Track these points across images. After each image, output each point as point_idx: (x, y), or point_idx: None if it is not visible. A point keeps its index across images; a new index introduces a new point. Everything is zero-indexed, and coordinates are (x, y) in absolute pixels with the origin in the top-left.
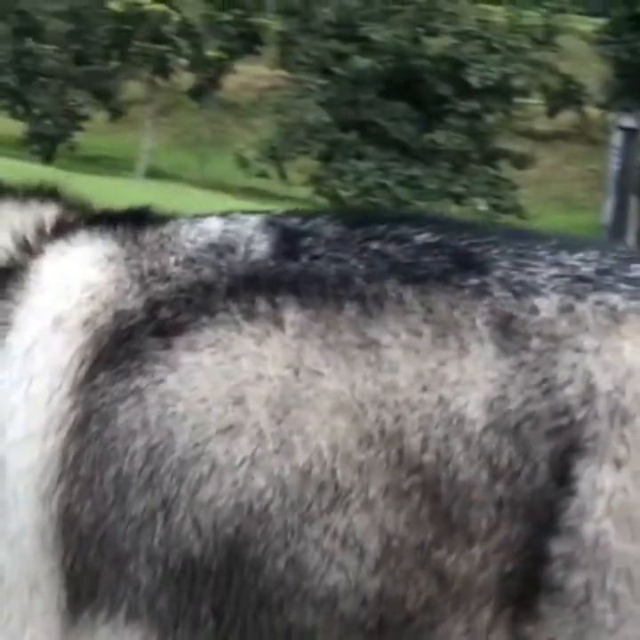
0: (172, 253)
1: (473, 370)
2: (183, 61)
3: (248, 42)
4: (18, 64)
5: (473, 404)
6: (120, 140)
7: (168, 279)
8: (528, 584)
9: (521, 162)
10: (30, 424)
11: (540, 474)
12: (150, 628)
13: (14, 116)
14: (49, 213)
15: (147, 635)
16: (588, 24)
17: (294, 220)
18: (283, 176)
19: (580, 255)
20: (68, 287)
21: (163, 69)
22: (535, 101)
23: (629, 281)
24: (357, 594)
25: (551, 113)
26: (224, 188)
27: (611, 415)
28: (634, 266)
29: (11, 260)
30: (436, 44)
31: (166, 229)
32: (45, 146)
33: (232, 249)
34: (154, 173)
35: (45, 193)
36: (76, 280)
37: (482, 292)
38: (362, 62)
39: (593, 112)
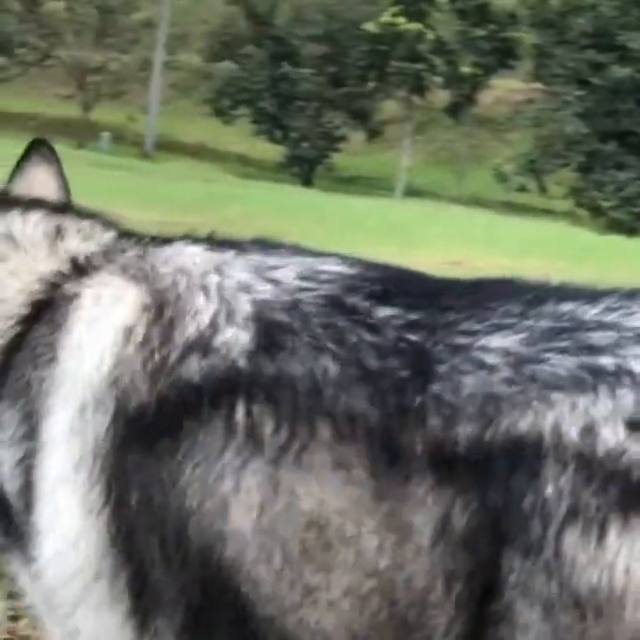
0: (185, 321)
1: (418, 495)
2: (438, 79)
3: (502, 56)
4: (275, 89)
5: (422, 521)
6: (377, 160)
7: (181, 368)
8: None
9: None
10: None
11: (483, 565)
12: None
13: (273, 140)
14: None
15: None
16: None
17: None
18: (542, 189)
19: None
20: (80, 349)
21: (419, 88)
22: None
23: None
24: None
25: None
26: (482, 204)
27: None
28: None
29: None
30: None
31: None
32: (304, 168)
33: (218, 352)
34: (411, 191)
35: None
36: (97, 348)
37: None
38: (620, 72)
39: None
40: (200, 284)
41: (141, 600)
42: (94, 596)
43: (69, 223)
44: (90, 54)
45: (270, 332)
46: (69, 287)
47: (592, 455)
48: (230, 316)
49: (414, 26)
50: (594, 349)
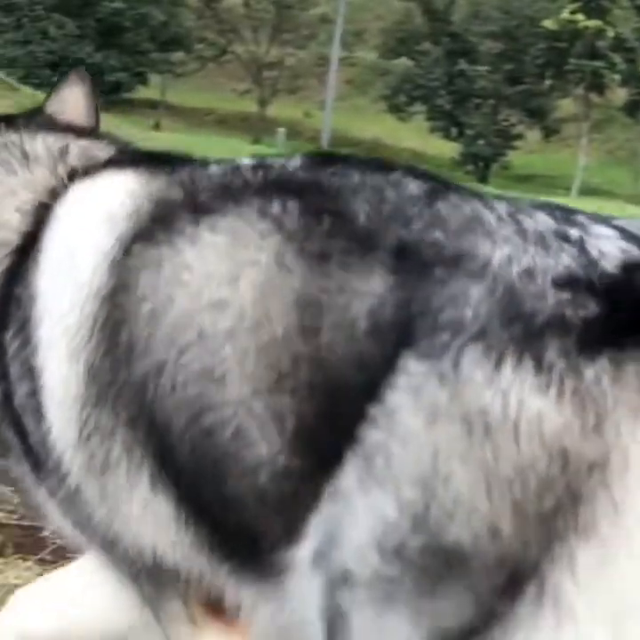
0: (217, 168)
1: (370, 284)
2: (617, 77)
3: None
4: (451, 86)
5: (360, 310)
6: (553, 158)
7: (210, 179)
8: (341, 440)
9: None
10: (74, 297)
11: (380, 360)
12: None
13: (448, 137)
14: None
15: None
16: None
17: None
18: None
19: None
20: (117, 191)
21: (597, 86)
22: None
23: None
24: (274, 465)
25: None
26: None
27: None
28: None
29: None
30: None
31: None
32: (479, 166)
33: (271, 165)
34: (587, 190)
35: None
36: (125, 187)
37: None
38: None
39: None
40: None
41: (149, 460)
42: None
43: (79, 143)
44: (266, 50)
45: (320, 162)
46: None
47: (518, 292)
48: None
49: (594, 23)
50: (564, 222)
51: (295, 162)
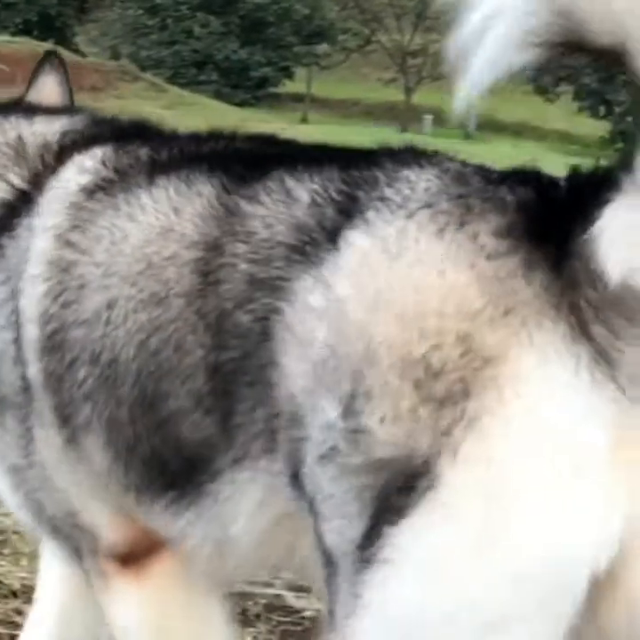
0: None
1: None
2: None
3: None
4: (597, 64)
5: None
6: None
7: (163, 150)
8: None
9: None
10: (40, 243)
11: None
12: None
13: (596, 116)
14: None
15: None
16: None
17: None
18: None
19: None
20: (87, 164)
21: None
22: None
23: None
24: (211, 366)
25: None
26: None
27: None
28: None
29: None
30: None
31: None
32: (629, 144)
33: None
34: None
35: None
36: (93, 159)
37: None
38: None
39: None
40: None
41: (82, 407)
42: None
43: (46, 123)
44: (410, 37)
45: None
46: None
47: (465, 177)
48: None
49: None
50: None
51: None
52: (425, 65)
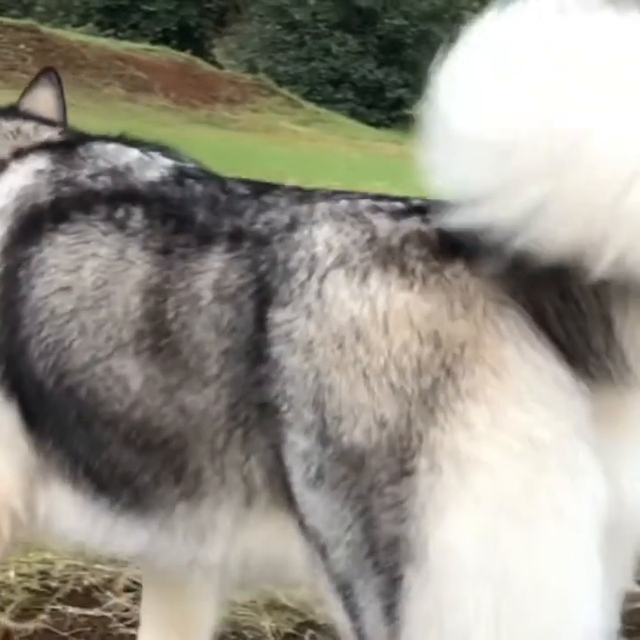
0: (85, 168)
1: (208, 263)
2: None
3: None
4: None
5: (204, 285)
6: None
7: (74, 185)
8: (249, 407)
9: None
10: None
11: (248, 324)
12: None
13: None
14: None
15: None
16: None
17: (194, 170)
18: None
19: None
20: (10, 190)
21: None
22: None
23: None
24: (128, 419)
25: None
26: None
27: (304, 271)
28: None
29: None
30: None
31: (93, 151)
32: None
33: (130, 170)
34: None
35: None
36: (16, 186)
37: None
38: None
39: None
40: (116, 150)
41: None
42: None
43: (29, 128)
44: None
45: (176, 176)
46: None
47: (369, 222)
48: (145, 165)
49: None
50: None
51: (152, 173)
52: None
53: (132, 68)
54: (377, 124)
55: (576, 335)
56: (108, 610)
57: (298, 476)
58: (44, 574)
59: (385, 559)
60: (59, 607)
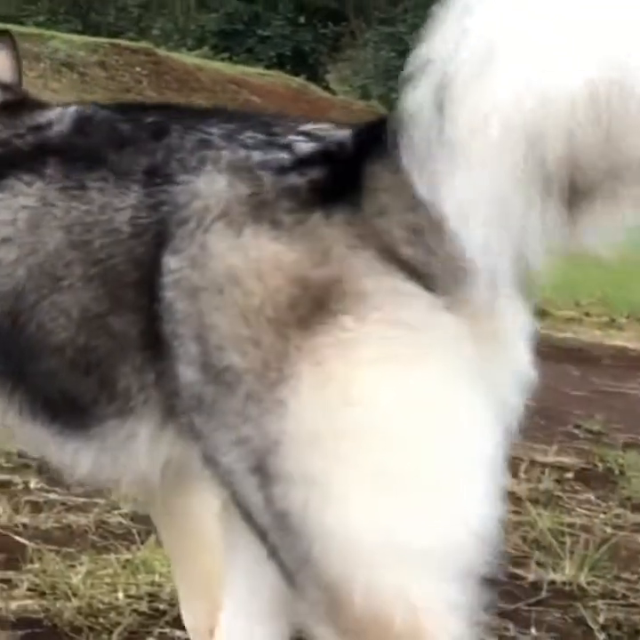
0: (19, 128)
1: (126, 200)
2: None
3: None
4: None
5: (123, 219)
6: None
7: (7, 145)
8: (152, 336)
9: None
10: None
11: (150, 264)
12: None
13: None
14: None
15: None
16: None
17: (91, 111)
18: None
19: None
20: None
21: None
22: None
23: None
24: (72, 346)
25: None
26: None
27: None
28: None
29: None
30: None
31: (32, 113)
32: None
33: (50, 125)
34: None
35: None
36: None
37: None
38: None
39: None
40: (47, 110)
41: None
42: None
43: None
44: None
45: (81, 123)
46: None
47: (254, 175)
48: (62, 118)
49: None
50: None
51: (63, 125)
52: None
53: (246, 92)
54: None
55: (428, 261)
56: None
57: (185, 404)
58: (153, 597)
59: (271, 461)
60: (167, 630)
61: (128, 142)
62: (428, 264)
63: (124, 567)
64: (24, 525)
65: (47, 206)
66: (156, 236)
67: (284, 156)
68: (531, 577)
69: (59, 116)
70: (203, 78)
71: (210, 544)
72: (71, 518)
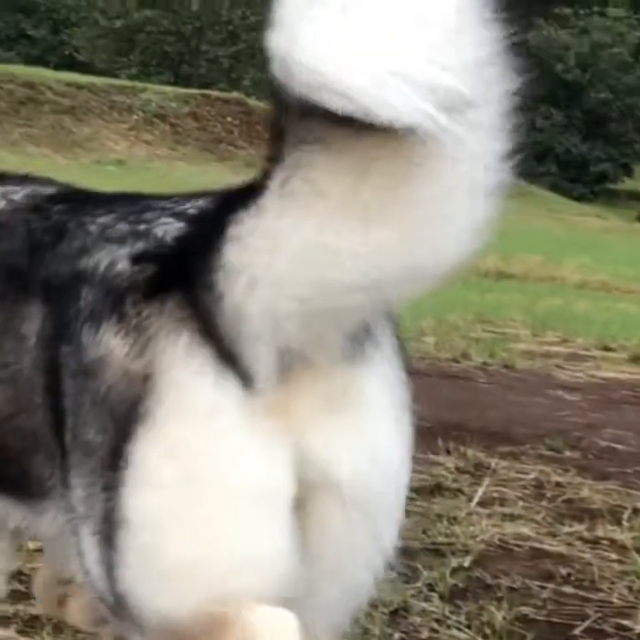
0: None
1: (31, 312)
2: None
3: None
4: None
5: (30, 329)
6: None
7: None
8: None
9: None
10: None
11: (52, 363)
12: None
13: None
14: None
15: None
16: None
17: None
18: None
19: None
20: None
21: None
22: None
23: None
24: (3, 435)
25: None
26: None
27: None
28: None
29: None
30: None
31: None
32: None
33: None
34: None
35: None
36: None
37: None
38: None
39: None
40: None
41: None
42: None
43: None
44: None
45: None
46: None
47: (107, 279)
48: None
49: None
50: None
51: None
52: None
53: None
54: (579, 198)
55: (234, 349)
56: None
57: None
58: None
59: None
60: None
61: (34, 249)
62: (234, 343)
63: None
64: None
65: None
66: (56, 339)
67: (140, 245)
68: (638, 628)
69: None
70: None
71: None
72: None
